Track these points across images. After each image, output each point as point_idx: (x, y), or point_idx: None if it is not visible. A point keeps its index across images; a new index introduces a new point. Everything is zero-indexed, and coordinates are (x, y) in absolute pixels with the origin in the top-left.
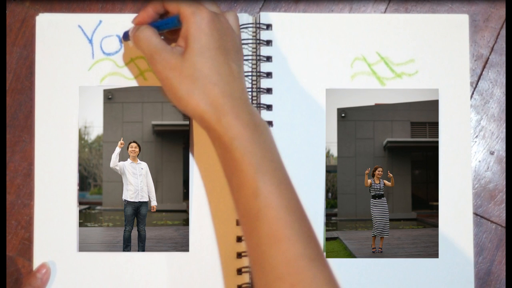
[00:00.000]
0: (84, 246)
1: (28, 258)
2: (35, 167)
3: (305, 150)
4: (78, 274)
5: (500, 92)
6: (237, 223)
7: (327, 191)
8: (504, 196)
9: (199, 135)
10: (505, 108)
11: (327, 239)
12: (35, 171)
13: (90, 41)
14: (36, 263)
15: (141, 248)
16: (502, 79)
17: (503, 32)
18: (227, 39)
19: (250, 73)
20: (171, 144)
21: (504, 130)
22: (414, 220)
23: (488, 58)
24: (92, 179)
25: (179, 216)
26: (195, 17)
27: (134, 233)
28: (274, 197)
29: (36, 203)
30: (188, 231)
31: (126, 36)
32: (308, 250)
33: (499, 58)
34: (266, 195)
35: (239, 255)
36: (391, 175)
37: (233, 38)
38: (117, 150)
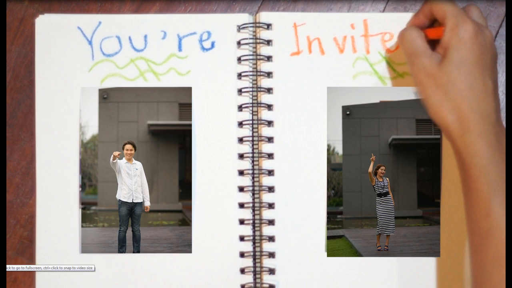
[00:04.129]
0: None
1: (27, 257)
2: (36, 166)
3: (306, 149)
4: (82, 275)
5: (498, 91)
6: (240, 223)
7: (330, 189)
8: None
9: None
10: (504, 107)
11: (333, 237)
12: (37, 171)
13: (90, 42)
14: (39, 264)
15: (136, 248)
16: (501, 78)
17: (502, 31)
18: (487, 53)
19: (250, 73)
20: (167, 144)
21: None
22: (420, 217)
23: None
24: (87, 179)
25: (175, 216)
26: (458, 28)
27: (129, 233)
28: (505, 220)
29: (38, 203)
30: (183, 231)
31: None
32: None
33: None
34: (498, 217)
35: (242, 255)
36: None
37: (493, 53)
38: (111, 158)
